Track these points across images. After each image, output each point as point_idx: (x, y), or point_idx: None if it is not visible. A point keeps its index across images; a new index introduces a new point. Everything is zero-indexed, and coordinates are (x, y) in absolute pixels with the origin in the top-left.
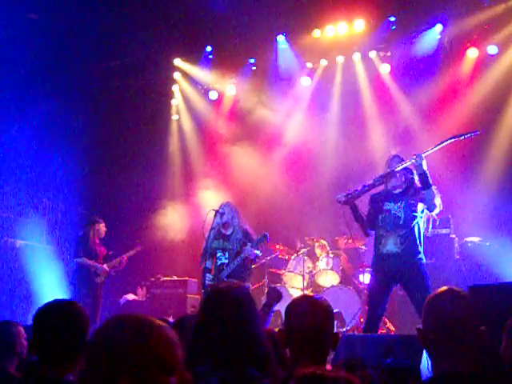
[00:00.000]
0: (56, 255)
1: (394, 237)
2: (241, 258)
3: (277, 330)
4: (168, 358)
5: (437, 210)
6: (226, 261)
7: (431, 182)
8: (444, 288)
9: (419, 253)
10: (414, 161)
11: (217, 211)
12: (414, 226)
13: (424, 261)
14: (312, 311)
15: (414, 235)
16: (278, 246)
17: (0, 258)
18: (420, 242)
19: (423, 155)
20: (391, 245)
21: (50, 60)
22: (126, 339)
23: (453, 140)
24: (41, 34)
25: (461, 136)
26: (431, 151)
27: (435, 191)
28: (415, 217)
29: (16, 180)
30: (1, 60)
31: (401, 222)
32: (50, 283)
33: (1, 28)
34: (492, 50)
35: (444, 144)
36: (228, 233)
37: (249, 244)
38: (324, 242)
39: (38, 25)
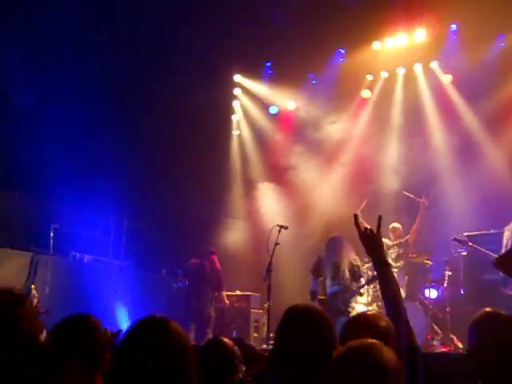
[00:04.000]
0: (122, 270)
1: None
2: None
3: None
4: None
5: None
6: None
7: None
8: (487, 310)
9: None
10: None
11: (281, 226)
12: None
13: None
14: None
15: None
16: None
17: (68, 273)
18: None
19: None
20: None
21: (112, 81)
22: None
23: None
24: (104, 54)
25: None
26: None
27: None
28: None
29: (82, 195)
30: (68, 78)
31: None
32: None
33: (66, 49)
34: None
35: None
36: None
37: None
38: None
39: (100, 46)
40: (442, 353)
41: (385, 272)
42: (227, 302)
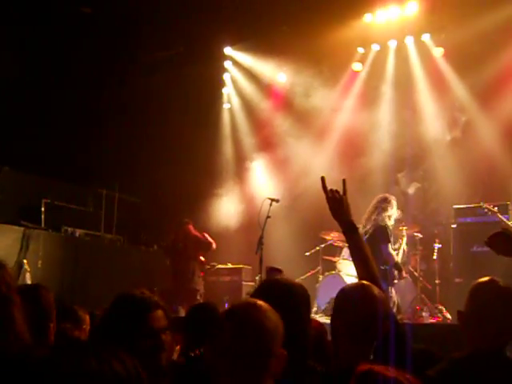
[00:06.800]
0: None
1: None
2: None
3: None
4: None
5: None
6: None
7: None
8: (487, 278)
9: None
10: None
11: (272, 199)
12: None
13: None
14: (362, 299)
15: None
16: (332, 234)
17: (59, 247)
18: None
19: None
20: None
21: (101, 52)
22: None
23: None
24: (93, 27)
25: None
26: None
27: None
28: None
29: (73, 170)
30: (55, 52)
31: None
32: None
33: (55, 22)
34: None
35: None
36: None
37: None
38: None
39: (90, 18)
40: (431, 323)
41: (354, 236)
42: (211, 241)
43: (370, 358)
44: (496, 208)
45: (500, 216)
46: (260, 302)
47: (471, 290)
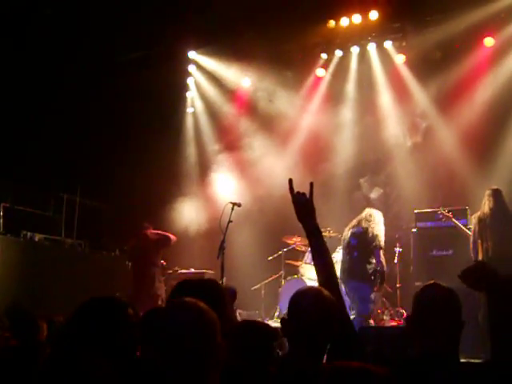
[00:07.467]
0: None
1: None
2: None
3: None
4: None
5: None
6: None
7: None
8: (431, 282)
9: None
10: None
11: (234, 204)
12: None
13: None
14: (315, 303)
15: None
16: (294, 239)
17: (19, 252)
18: None
19: None
20: None
21: (64, 54)
22: None
23: None
24: (55, 28)
25: None
26: None
27: None
28: None
29: (35, 174)
30: (18, 54)
31: None
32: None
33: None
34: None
35: None
36: None
37: None
38: (339, 235)
39: (52, 20)
40: (392, 326)
41: (317, 240)
42: (169, 234)
43: (323, 359)
44: (451, 213)
45: (455, 221)
46: (188, 300)
47: (415, 294)
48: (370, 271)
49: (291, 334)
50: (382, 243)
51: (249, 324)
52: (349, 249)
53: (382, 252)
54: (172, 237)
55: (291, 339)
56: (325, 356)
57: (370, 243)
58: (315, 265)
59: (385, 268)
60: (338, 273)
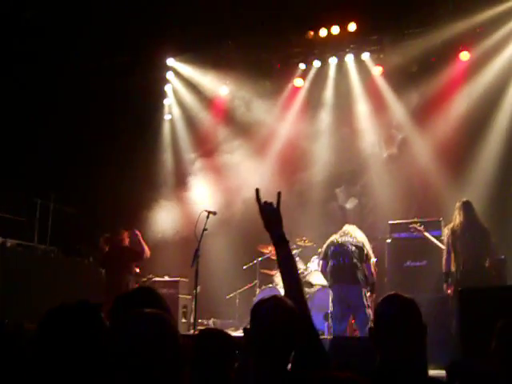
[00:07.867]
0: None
1: None
2: None
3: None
4: None
5: None
6: None
7: None
8: (391, 293)
9: None
10: None
11: (209, 212)
12: None
13: None
14: (274, 311)
15: None
16: (269, 248)
17: None
18: None
19: None
20: None
21: (43, 58)
22: None
23: None
24: (36, 32)
25: None
26: None
27: None
28: None
29: (8, 179)
30: None
31: None
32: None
33: None
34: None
35: None
36: None
37: None
38: (314, 244)
39: (31, 24)
40: (365, 337)
41: (284, 249)
42: (144, 249)
43: (287, 368)
44: (423, 226)
45: (426, 235)
46: (147, 311)
47: (376, 306)
48: (362, 278)
49: (252, 343)
50: (372, 254)
51: (210, 332)
52: (341, 255)
53: (372, 262)
54: (145, 253)
55: (252, 348)
56: (289, 365)
57: (361, 253)
58: (281, 273)
59: (374, 280)
60: (319, 281)
